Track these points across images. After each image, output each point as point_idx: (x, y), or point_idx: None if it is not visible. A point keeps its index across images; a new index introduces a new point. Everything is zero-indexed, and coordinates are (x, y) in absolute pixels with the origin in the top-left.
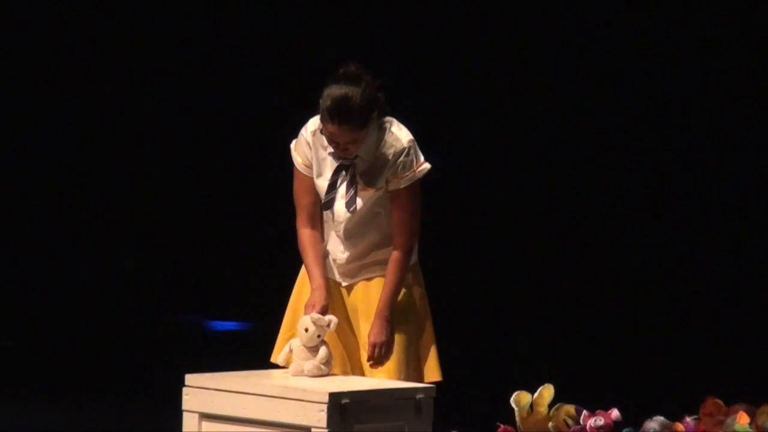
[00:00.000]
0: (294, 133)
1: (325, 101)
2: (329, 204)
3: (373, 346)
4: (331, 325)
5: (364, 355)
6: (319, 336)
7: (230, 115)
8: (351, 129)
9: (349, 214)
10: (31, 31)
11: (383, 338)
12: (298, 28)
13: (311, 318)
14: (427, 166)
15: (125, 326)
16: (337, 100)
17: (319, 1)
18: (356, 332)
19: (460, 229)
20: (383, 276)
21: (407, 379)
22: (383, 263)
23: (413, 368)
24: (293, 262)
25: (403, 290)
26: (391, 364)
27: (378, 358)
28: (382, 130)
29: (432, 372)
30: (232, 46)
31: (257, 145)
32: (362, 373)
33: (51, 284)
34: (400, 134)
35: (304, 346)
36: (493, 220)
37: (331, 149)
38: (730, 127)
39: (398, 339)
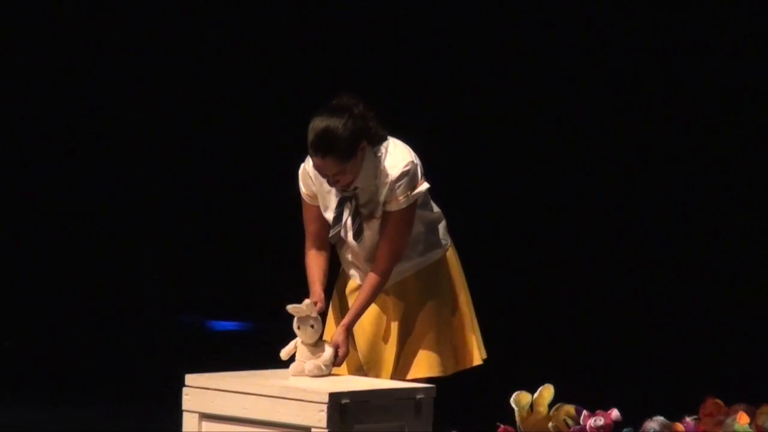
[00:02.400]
0: (292, 134)
1: (309, 135)
2: (335, 238)
3: (336, 347)
4: (304, 304)
5: (394, 351)
6: (312, 326)
7: (230, 116)
8: (336, 160)
9: (358, 245)
10: (32, 34)
11: (342, 346)
12: (299, 32)
13: (289, 310)
14: (422, 188)
15: (125, 326)
16: (319, 132)
17: (325, 10)
18: (386, 328)
19: (459, 230)
20: (416, 271)
21: (445, 372)
22: (408, 259)
23: (450, 359)
24: (293, 262)
25: (426, 279)
26: (430, 358)
27: (339, 360)
28: (378, 158)
29: (472, 357)
30: (231, 47)
31: (257, 145)
32: (390, 369)
33: (51, 284)
34: (396, 160)
35: (304, 343)
36: (493, 221)
37: None
38: (730, 128)
39: (431, 330)
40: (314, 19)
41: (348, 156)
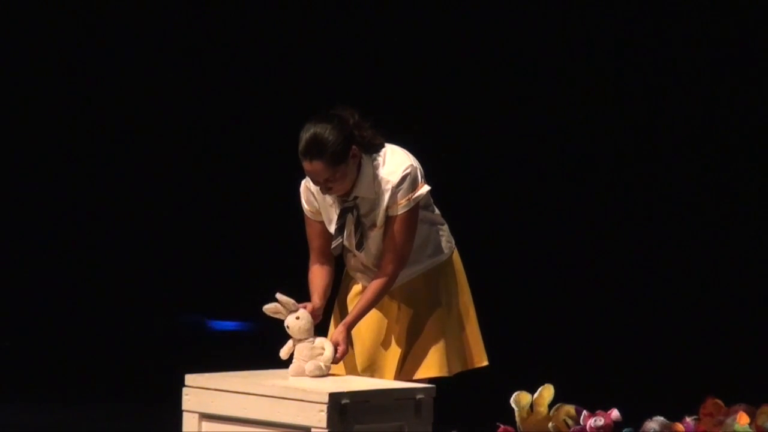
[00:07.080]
0: (293, 134)
1: (299, 143)
2: (337, 249)
3: (336, 345)
4: (280, 299)
5: (398, 351)
6: (298, 318)
7: (230, 116)
8: (325, 164)
9: (362, 254)
10: (33, 35)
11: (341, 345)
12: (300, 34)
13: (265, 311)
14: (423, 191)
15: (125, 326)
16: (307, 138)
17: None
18: (387, 333)
19: (459, 230)
20: (424, 272)
21: (453, 371)
22: (417, 263)
23: (458, 359)
24: (293, 262)
25: (434, 281)
26: (439, 358)
27: (337, 358)
28: (376, 167)
29: (480, 357)
30: (240, 46)
31: (257, 145)
32: (391, 375)
33: (51, 284)
34: (395, 165)
35: (295, 339)
36: (494, 221)
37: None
38: (730, 129)
39: (439, 330)
40: (319, 27)
41: (337, 160)
